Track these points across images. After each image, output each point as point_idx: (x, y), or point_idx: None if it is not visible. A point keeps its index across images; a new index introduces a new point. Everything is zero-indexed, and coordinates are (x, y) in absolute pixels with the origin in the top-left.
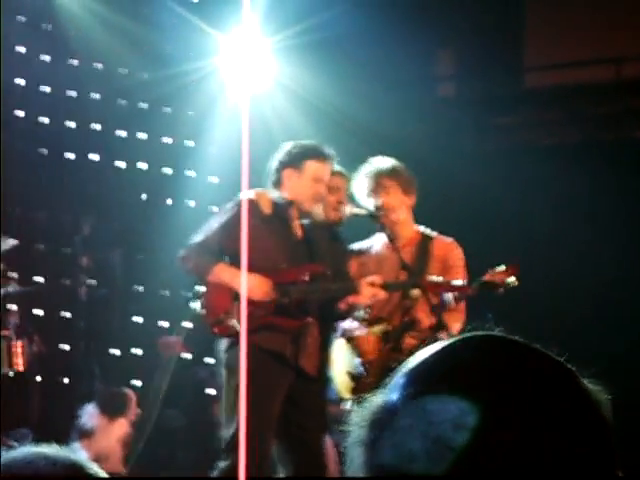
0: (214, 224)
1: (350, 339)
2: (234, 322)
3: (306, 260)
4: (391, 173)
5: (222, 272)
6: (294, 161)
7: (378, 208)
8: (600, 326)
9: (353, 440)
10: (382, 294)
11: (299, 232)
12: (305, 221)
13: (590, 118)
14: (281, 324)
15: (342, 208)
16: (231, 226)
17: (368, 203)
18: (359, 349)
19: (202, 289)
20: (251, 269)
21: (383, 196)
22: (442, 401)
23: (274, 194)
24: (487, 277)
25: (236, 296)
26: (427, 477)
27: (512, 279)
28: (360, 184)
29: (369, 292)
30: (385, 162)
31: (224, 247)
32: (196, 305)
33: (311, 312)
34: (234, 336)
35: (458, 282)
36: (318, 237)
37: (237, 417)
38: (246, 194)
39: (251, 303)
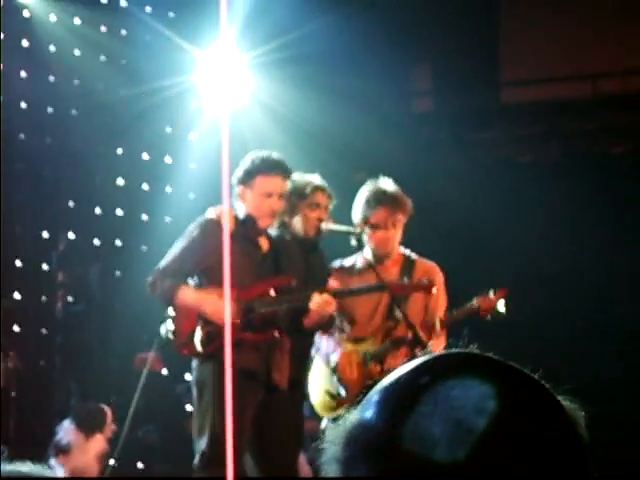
0: (177, 248)
1: (329, 362)
2: (196, 342)
3: (271, 273)
4: (400, 206)
5: (185, 295)
6: (245, 178)
7: (374, 221)
8: (582, 340)
9: (328, 457)
10: (333, 304)
11: (265, 246)
12: (273, 234)
13: (568, 134)
14: (249, 339)
15: (320, 224)
16: (194, 249)
17: (365, 213)
18: (340, 369)
19: (170, 312)
20: (219, 285)
21: (389, 233)
22: (464, 385)
23: (239, 210)
24: (476, 303)
25: (201, 317)
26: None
27: (501, 305)
28: (362, 208)
29: (317, 299)
30: (389, 187)
31: (189, 269)
32: (163, 329)
33: (280, 325)
34: (204, 356)
35: (424, 280)
36: (286, 251)
37: (207, 435)
38: (210, 212)
39: (218, 324)
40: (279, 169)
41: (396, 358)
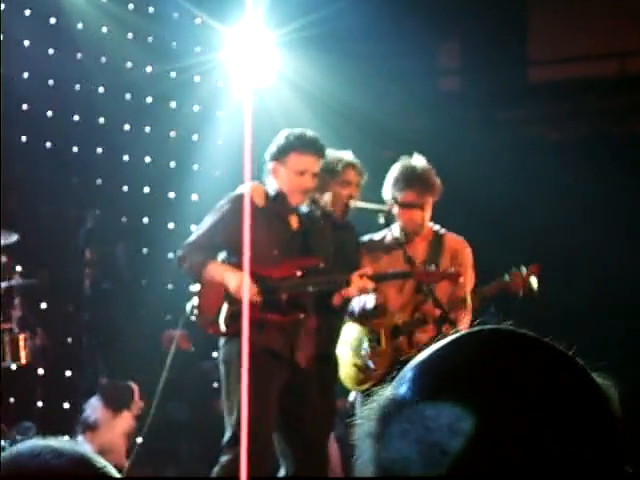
0: (207, 222)
1: (365, 324)
2: (220, 321)
3: (300, 252)
4: (429, 188)
5: (213, 270)
6: (278, 155)
7: (404, 202)
8: (609, 319)
9: (363, 433)
10: (371, 286)
11: (295, 224)
12: (305, 211)
13: (595, 112)
14: (273, 320)
15: (352, 202)
16: (225, 222)
17: (395, 194)
18: (372, 339)
19: (197, 289)
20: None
21: (419, 215)
22: (438, 407)
23: (270, 186)
24: (508, 278)
25: (226, 295)
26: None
27: (534, 282)
28: (393, 175)
29: (359, 284)
30: (420, 162)
31: (219, 244)
32: (189, 306)
33: (306, 306)
34: (226, 335)
35: (451, 270)
36: (317, 229)
37: (235, 415)
38: (242, 188)
39: (240, 302)
40: (314, 147)
41: (425, 333)
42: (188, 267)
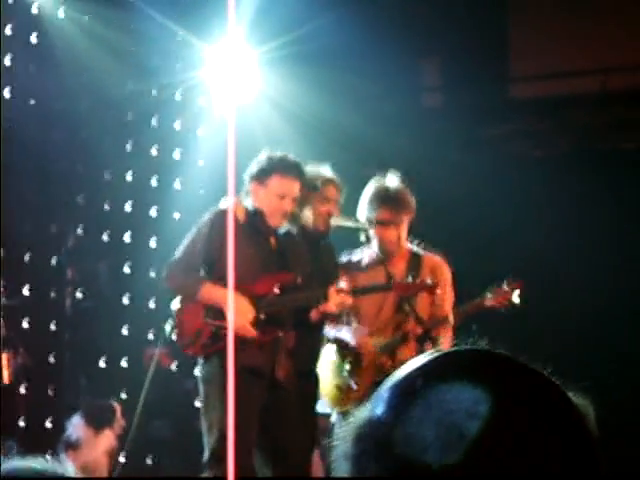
0: (190, 239)
1: (344, 349)
2: (204, 342)
3: (277, 269)
4: (405, 208)
5: (211, 293)
6: (259, 176)
7: (378, 221)
8: (594, 335)
9: (339, 454)
10: (349, 301)
11: (273, 243)
12: (282, 230)
13: (578, 129)
14: (253, 339)
15: (331, 219)
16: (207, 238)
17: (369, 213)
18: (353, 360)
19: (176, 308)
20: (224, 277)
21: (394, 234)
22: (457, 390)
23: (248, 203)
24: (490, 295)
25: (207, 313)
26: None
27: (516, 297)
28: (367, 194)
29: (336, 299)
30: (393, 182)
31: (203, 260)
32: (169, 326)
33: (284, 323)
34: (207, 354)
35: (428, 281)
36: (293, 248)
37: (215, 432)
38: (223, 203)
39: (224, 323)
40: (296, 171)
41: (406, 352)
42: (178, 286)
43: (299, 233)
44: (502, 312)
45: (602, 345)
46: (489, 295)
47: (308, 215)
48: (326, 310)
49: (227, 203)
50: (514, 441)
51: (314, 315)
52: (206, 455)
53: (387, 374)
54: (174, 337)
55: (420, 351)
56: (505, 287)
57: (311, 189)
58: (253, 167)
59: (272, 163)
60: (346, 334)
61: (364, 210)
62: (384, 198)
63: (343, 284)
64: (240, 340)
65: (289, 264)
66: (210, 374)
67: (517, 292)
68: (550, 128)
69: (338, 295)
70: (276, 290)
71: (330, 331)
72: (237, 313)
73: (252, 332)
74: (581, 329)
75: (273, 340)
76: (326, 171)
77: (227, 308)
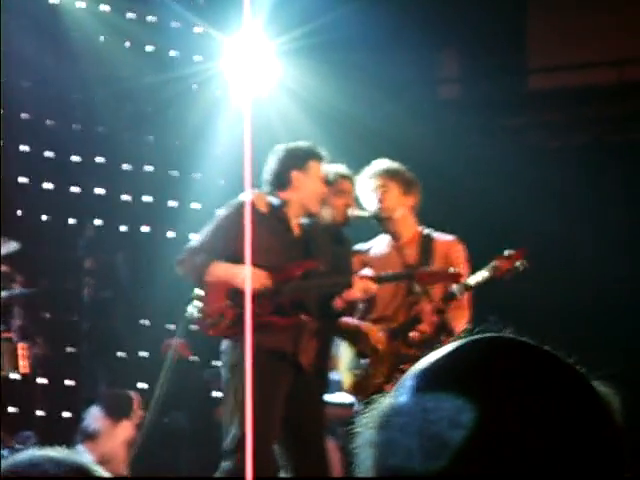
0: (208, 230)
1: (356, 335)
2: (227, 323)
3: (301, 258)
4: (388, 173)
5: (216, 269)
6: (300, 163)
7: (377, 208)
8: (609, 329)
9: (362, 442)
10: (374, 287)
11: (297, 231)
12: (305, 221)
13: (594, 120)
14: (277, 322)
15: (348, 211)
16: (227, 228)
17: (369, 203)
18: (369, 349)
19: (199, 292)
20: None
21: (380, 195)
22: (438, 399)
23: (270, 196)
24: (496, 262)
25: (229, 295)
26: (427, 476)
27: (520, 263)
28: (361, 185)
29: (360, 285)
30: (383, 163)
31: (220, 250)
32: (191, 309)
33: (307, 309)
34: (230, 336)
35: (452, 270)
36: (318, 237)
37: (239, 418)
38: (243, 195)
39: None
40: (325, 157)
41: (419, 332)
42: (190, 270)
43: (321, 228)
44: (506, 298)
45: (617, 336)
46: (494, 263)
47: (327, 211)
48: (351, 297)
49: (247, 195)
50: (502, 446)
51: (339, 303)
52: (228, 442)
53: (403, 359)
54: (197, 317)
55: (434, 334)
56: (507, 253)
57: (327, 185)
58: (286, 158)
59: (307, 150)
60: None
61: (365, 195)
62: (380, 178)
63: (367, 271)
64: (265, 324)
65: (312, 253)
66: (236, 359)
67: (519, 262)
68: (567, 119)
69: (362, 281)
70: (299, 274)
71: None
72: (246, 279)
73: (263, 281)
74: (596, 322)
75: (297, 324)
76: (338, 167)
77: (236, 279)
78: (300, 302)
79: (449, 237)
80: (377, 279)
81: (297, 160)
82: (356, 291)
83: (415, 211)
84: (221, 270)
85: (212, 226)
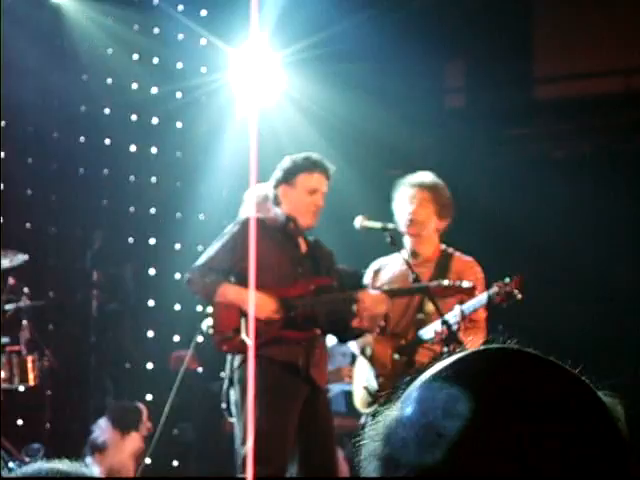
0: (217, 246)
1: (365, 353)
2: (244, 337)
3: (312, 274)
4: (430, 188)
5: (227, 291)
6: (286, 177)
7: (407, 219)
8: (616, 335)
9: (368, 453)
10: (385, 302)
11: (304, 247)
12: (310, 237)
13: (600, 130)
14: (290, 337)
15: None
16: (235, 245)
17: (402, 212)
18: (374, 362)
19: (211, 309)
20: (258, 285)
21: (415, 206)
22: (432, 389)
23: (276, 210)
24: (494, 289)
25: (244, 313)
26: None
27: (516, 292)
28: (399, 193)
29: (373, 299)
30: (428, 177)
31: (229, 267)
32: (205, 324)
33: (318, 324)
34: (244, 352)
35: (465, 284)
36: (323, 253)
37: (256, 429)
38: (249, 212)
39: (260, 322)
40: (321, 166)
41: (426, 350)
42: (199, 289)
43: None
44: (513, 308)
45: (620, 344)
46: (492, 292)
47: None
48: (364, 311)
49: (253, 211)
50: (504, 437)
51: (356, 322)
52: (243, 456)
53: (409, 374)
54: (210, 334)
55: (442, 352)
56: (507, 282)
57: None
58: (277, 173)
59: (296, 163)
60: (368, 340)
61: (400, 203)
62: (420, 190)
63: (379, 286)
64: (277, 338)
65: (321, 269)
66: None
67: (517, 291)
68: (572, 129)
69: (371, 294)
70: (312, 290)
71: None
72: (258, 308)
73: (272, 312)
74: (602, 331)
75: (310, 339)
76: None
77: (245, 305)
78: (313, 317)
79: (467, 258)
80: (390, 292)
81: (284, 175)
82: (370, 305)
83: (441, 236)
84: (232, 294)
85: (220, 243)
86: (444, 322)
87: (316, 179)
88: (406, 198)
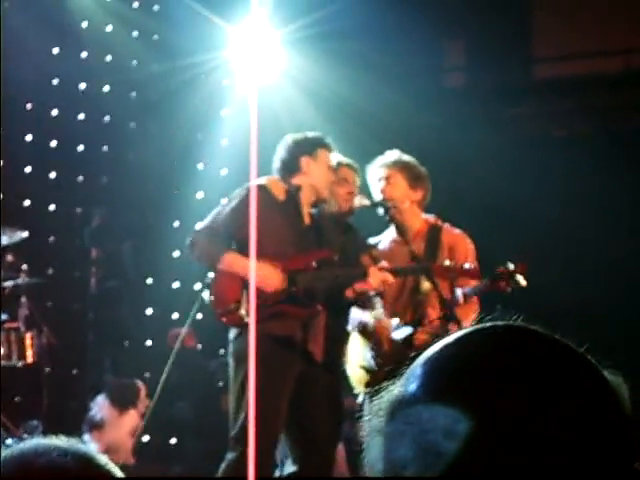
0: (223, 209)
1: (364, 332)
2: (243, 313)
3: (314, 246)
4: (396, 165)
5: (233, 262)
6: (310, 149)
7: (383, 198)
8: (616, 316)
9: (371, 429)
10: (391, 279)
11: (308, 219)
12: (314, 210)
13: (600, 109)
14: (291, 312)
15: (352, 199)
16: (240, 211)
17: (375, 192)
18: (373, 342)
19: (211, 277)
20: (260, 253)
21: (385, 186)
22: (433, 409)
23: (288, 183)
24: (496, 275)
25: (246, 285)
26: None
27: (520, 278)
28: (370, 174)
29: (378, 277)
30: (394, 154)
31: (232, 232)
32: (207, 295)
33: (319, 299)
34: (243, 326)
35: (467, 266)
36: (327, 225)
37: (246, 406)
38: (257, 180)
39: (261, 293)
40: (333, 146)
41: (425, 333)
42: (202, 255)
43: (330, 217)
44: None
45: (622, 324)
46: (495, 276)
47: (331, 200)
48: (366, 287)
49: (261, 179)
50: (499, 459)
51: (349, 293)
52: (236, 430)
53: (408, 355)
54: (211, 305)
55: (442, 332)
56: (510, 267)
57: None
58: (295, 145)
59: (317, 138)
60: (368, 318)
61: (373, 184)
62: (388, 169)
63: (384, 263)
64: (277, 313)
65: (324, 242)
66: (242, 349)
67: (521, 276)
68: (572, 108)
69: (381, 273)
70: (314, 265)
71: (355, 314)
72: (262, 280)
73: (279, 285)
74: (603, 312)
75: (310, 315)
76: (339, 157)
77: (249, 276)
78: (314, 292)
79: (456, 230)
80: (394, 271)
81: (307, 147)
82: (374, 282)
83: (422, 206)
84: (238, 264)
85: (225, 207)
86: (443, 302)
87: (332, 157)
88: (376, 179)
